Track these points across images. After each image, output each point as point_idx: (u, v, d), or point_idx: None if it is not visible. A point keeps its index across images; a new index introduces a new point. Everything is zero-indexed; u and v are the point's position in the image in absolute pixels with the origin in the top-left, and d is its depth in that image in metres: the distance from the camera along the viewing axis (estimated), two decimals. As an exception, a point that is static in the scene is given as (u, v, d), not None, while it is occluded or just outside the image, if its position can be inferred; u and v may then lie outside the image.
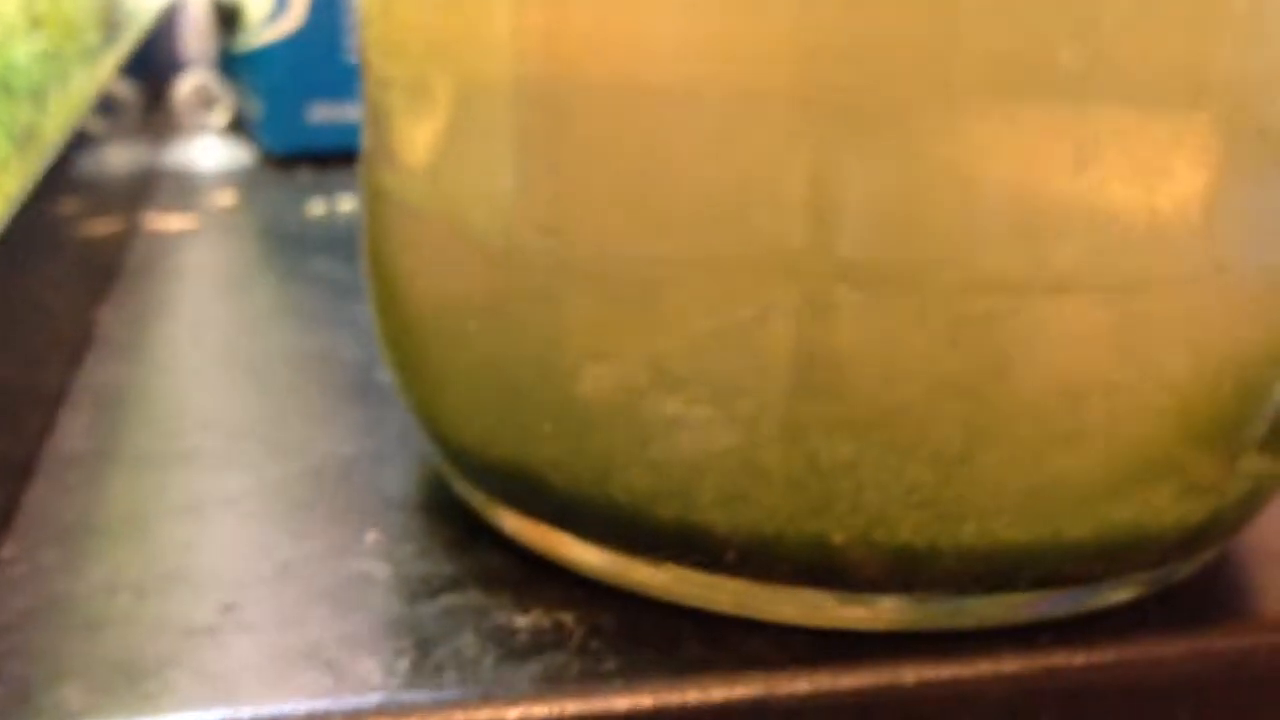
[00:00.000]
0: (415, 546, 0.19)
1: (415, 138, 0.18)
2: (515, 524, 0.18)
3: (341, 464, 0.21)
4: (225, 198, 0.41)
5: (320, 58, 0.45)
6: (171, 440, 0.22)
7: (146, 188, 0.41)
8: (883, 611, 0.16)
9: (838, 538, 0.16)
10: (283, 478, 0.21)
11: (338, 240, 0.36)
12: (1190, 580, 0.18)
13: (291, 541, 0.19)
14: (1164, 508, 0.16)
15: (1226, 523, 0.17)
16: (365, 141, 0.20)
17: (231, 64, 0.51)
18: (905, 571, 0.16)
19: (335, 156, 0.44)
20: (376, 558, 0.19)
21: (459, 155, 0.17)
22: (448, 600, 0.17)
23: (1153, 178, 0.14)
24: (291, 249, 0.36)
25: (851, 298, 0.14)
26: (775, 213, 0.14)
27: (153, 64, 0.51)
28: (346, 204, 0.40)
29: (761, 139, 0.14)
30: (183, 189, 0.42)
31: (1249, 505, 0.17)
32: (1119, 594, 0.17)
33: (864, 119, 0.14)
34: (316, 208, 0.40)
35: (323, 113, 0.46)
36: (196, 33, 0.57)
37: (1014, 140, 0.14)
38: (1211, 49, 0.14)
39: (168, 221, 0.38)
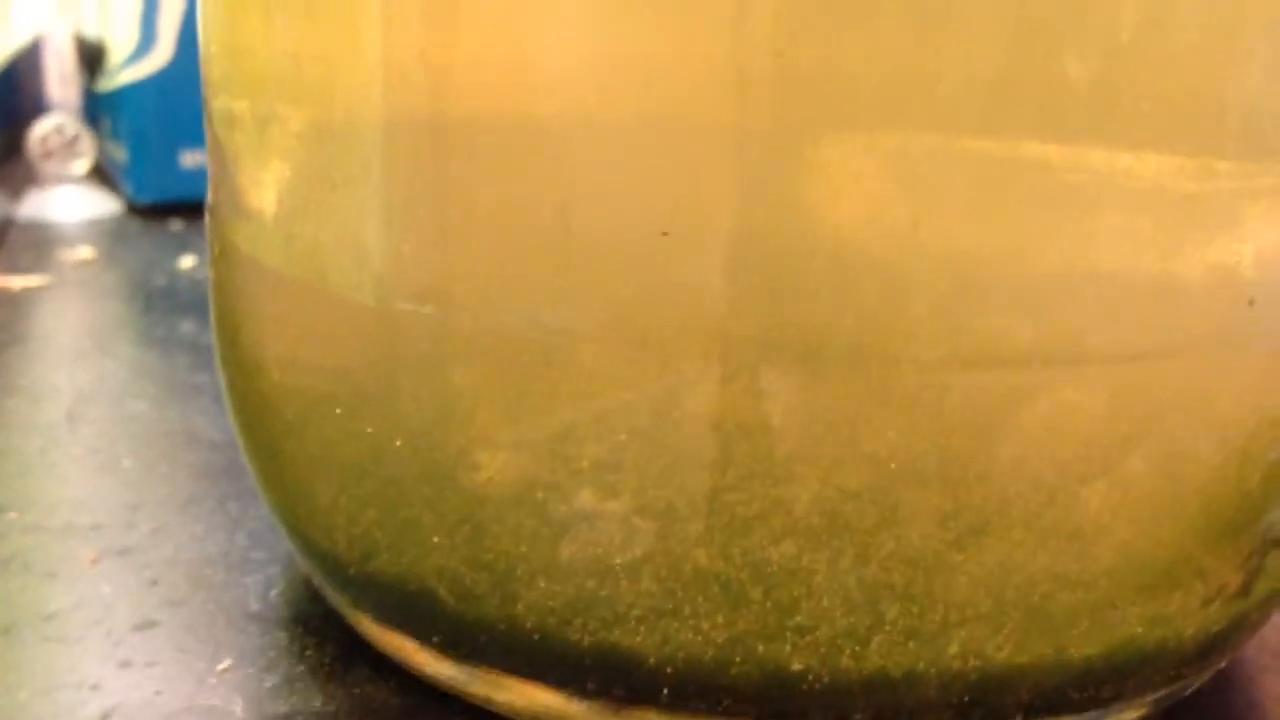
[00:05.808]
0: (278, 676, 0.16)
1: (267, 185, 0.15)
2: (400, 647, 0.16)
3: (193, 569, 0.18)
4: (83, 252, 0.37)
5: (192, 97, 0.41)
6: (-12, 544, 0.19)
7: (-5, 242, 0.37)
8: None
9: (795, 664, 0.13)
10: (119, 589, 0.18)
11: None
12: (1197, 692, 0.15)
13: (120, 674, 0.16)
14: (1184, 614, 0.13)
15: (1248, 626, 0.14)
16: (211, 192, 0.17)
17: (94, 106, 0.47)
18: (879, 703, 0.13)
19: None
20: (229, 692, 0.15)
21: (319, 205, 0.14)
22: (316, 746, 0.14)
23: (1174, 228, 0.12)
24: (156, 309, 0.32)
25: (787, 369, 0.12)
26: (695, 267, 0.12)
27: (10, 108, 0.47)
28: (220, 257, 0.37)
29: (680, 181, 0.12)
30: (35, 243, 0.38)
31: (1271, 603, 0.14)
32: (1123, 717, 0.14)
33: (808, 156, 0.12)
34: (187, 261, 0.37)
35: (195, 158, 0.42)
36: (60, 75, 0.53)
37: (1006, 181, 0.11)
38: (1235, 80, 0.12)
39: (14, 279, 0.34)
